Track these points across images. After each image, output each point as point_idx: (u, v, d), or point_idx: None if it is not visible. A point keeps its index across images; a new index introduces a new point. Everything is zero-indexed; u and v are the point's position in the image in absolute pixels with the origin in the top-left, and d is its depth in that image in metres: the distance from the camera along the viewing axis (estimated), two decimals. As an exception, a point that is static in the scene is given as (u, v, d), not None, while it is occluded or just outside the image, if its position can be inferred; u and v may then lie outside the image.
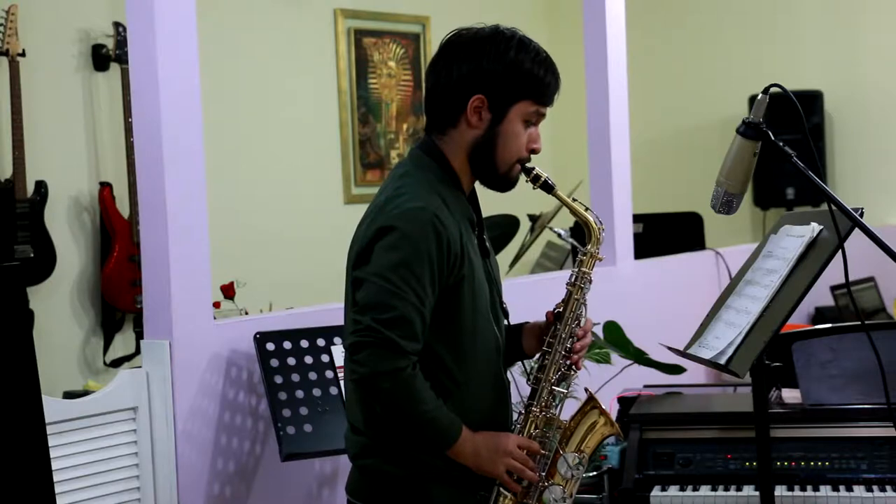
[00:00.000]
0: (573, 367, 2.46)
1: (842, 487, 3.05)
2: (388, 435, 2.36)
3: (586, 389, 2.54)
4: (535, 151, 2.43)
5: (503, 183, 2.44)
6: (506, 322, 2.52)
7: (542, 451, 2.43)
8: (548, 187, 2.42)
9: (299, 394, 3.12)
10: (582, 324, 2.48)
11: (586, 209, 2.50)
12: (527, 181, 2.44)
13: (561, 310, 2.47)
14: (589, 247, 2.49)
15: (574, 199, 2.49)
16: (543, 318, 2.51)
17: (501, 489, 2.40)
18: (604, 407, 2.47)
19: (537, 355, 2.50)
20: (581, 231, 2.55)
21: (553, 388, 2.44)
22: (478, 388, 2.39)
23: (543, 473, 2.42)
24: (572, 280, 2.49)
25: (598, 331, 3.83)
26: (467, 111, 2.38)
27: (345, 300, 2.42)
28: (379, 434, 2.37)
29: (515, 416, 2.50)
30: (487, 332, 2.41)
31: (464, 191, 2.44)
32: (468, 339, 2.36)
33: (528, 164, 2.43)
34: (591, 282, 2.50)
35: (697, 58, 7.15)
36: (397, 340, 2.24)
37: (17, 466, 1.99)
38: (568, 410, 2.50)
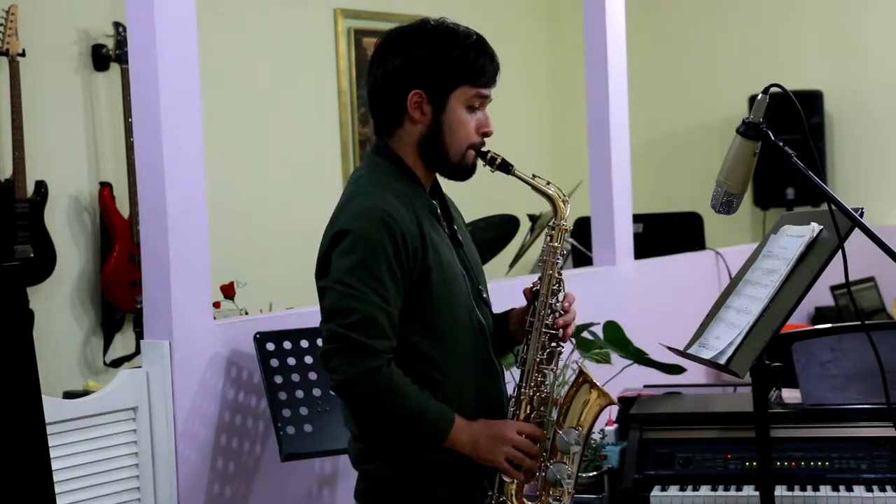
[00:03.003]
0: (560, 343, 2.45)
1: (842, 487, 3.05)
2: (383, 438, 2.37)
3: (577, 363, 2.52)
4: (486, 135, 2.44)
5: (460, 171, 2.44)
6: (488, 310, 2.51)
7: (543, 432, 2.41)
8: (506, 167, 2.42)
9: (299, 394, 3.12)
10: (560, 299, 2.46)
11: (548, 183, 2.48)
12: (484, 165, 2.44)
13: (538, 288, 2.46)
14: (555, 220, 2.48)
15: (535, 176, 2.46)
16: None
17: (504, 477, 2.40)
18: (594, 380, 2.46)
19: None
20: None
21: (541, 366, 2.42)
22: (466, 376, 2.39)
23: (545, 454, 2.41)
24: (543, 257, 2.48)
25: (598, 331, 3.83)
26: (408, 108, 2.39)
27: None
28: (374, 438, 2.38)
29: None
30: (469, 321, 2.41)
31: (422, 184, 2.44)
32: (449, 329, 2.37)
33: (482, 149, 2.43)
34: (563, 255, 2.49)
35: (697, 58, 7.15)
36: (365, 341, 2.25)
37: (17, 466, 1.99)
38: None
